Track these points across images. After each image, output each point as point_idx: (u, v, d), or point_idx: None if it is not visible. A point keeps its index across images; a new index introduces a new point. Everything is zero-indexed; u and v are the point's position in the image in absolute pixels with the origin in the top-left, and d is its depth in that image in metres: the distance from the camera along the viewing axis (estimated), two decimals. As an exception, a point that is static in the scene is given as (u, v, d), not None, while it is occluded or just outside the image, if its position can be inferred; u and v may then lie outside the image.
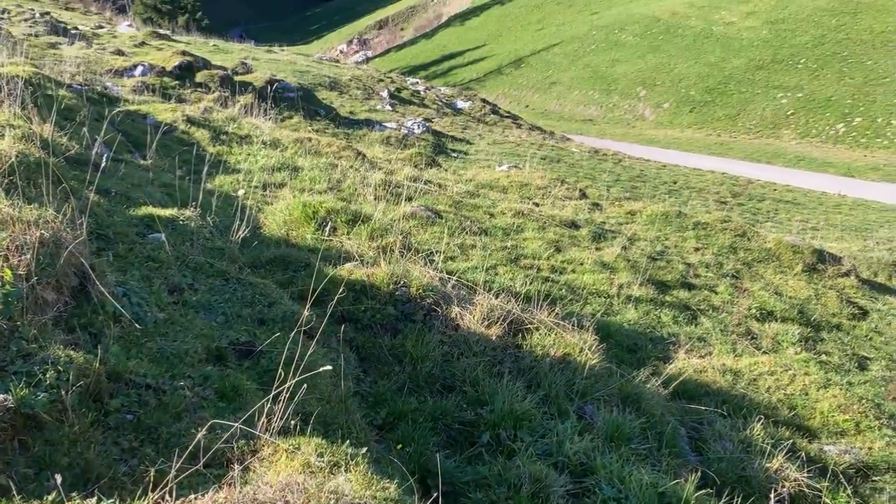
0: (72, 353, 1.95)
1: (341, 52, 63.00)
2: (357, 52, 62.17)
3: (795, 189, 17.78)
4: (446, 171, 10.14)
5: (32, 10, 17.09)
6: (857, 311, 6.80)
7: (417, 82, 27.34)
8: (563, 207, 8.15)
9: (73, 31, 14.73)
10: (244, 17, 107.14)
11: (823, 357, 5.41)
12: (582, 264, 6.02)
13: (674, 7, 39.50)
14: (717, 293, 6.35)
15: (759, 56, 30.64)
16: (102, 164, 3.84)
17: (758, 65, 30.04)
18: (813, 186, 18.49)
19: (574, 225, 7.23)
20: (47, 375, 1.85)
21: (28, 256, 2.04)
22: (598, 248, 6.64)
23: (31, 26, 13.88)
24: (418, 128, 15.57)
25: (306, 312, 2.50)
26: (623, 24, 40.20)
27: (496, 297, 3.44)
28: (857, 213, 15.50)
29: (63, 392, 1.82)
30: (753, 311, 6.07)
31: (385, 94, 21.04)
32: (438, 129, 16.88)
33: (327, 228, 4.20)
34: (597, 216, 8.07)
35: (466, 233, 6.05)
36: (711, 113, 28.36)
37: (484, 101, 25.90)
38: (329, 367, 2.01)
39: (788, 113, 26.16)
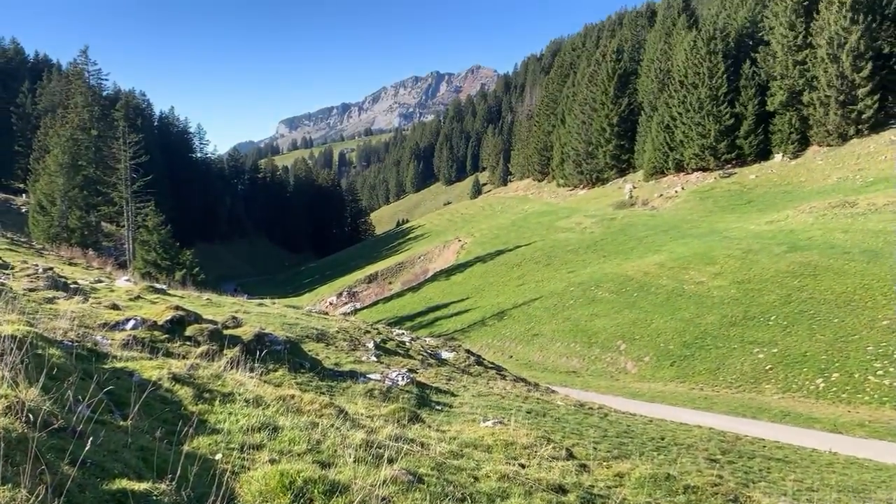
0: None
1: (331, 303, 65.29)
2: (346, 303, 64.47)
3: (785, 445, 17.49)
4: (430, 426, 9.99)
5: (37, 265, 17.95)
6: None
7: (403, 333, 27.98)
8: (549, 469, 7.93)
9: (72, 286, 15.33)
10: (241, 271, 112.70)
11: None
12: (571, 535, 5.72)
13: (644, 268, 42.17)
14: (716, 568, 5.96)
15: (732, 313, 32.06)
16: (83, 431, 3.81)
17: (731, 321, 31.30)
18: (802, 443, 18.22)
19: (562, 489, 6.99)
20: None
21: (-9, 547, 1.96)
22: (587, 516, 6.36)
23: (32, 281, 14.47)
24: (402, 379, 15.60)
25: None
26: (598, 281, 42.56)
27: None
28: (851, 472, 15.10)
29: None
30: (757, 589, 5.66)
31: (371, 344, 21.39)
32: (423, 381, 16.91)
33: (303, 500, 4.05)
34: (585, 479, 7.83)
35: (449, 499, 5.82)
36: (692, 367, 28.85)
37: (468, 351, 26.33)
38: None
39: (767, 368, 26.67)
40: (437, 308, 51.71)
